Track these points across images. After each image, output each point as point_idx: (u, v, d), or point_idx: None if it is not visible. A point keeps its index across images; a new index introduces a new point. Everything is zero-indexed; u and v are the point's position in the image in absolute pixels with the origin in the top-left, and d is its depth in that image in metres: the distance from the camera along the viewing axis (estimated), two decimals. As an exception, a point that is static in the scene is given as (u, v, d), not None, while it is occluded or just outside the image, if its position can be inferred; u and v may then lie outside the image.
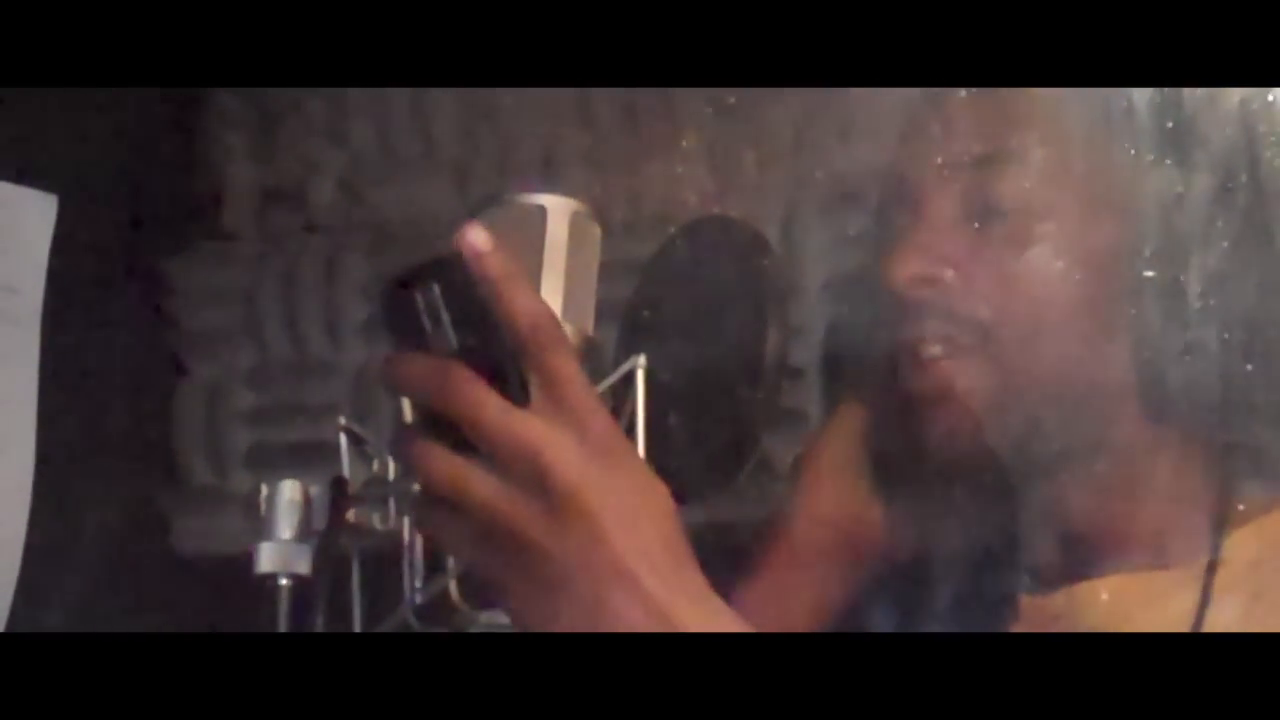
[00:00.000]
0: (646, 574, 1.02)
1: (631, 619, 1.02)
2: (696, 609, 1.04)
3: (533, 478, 1.02)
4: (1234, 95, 1.25)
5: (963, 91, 1.31)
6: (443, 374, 1.03)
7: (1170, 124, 1.27)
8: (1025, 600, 1.30)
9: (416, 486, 1.10)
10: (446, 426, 1.04)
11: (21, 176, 1.45)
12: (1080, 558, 1.28)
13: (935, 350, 1.30)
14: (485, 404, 1.03)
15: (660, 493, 1.06)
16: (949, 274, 1.30)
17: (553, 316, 1.06)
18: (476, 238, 1.05)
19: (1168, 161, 1.27)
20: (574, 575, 1.02)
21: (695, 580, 1.05)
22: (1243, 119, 1.26)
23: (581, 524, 1.02)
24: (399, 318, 1.05)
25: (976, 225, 1.30)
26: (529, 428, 1.03)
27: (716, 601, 1.06)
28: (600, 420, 1.04)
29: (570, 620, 1.02)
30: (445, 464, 1.04)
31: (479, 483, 1.03)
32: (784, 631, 1.34)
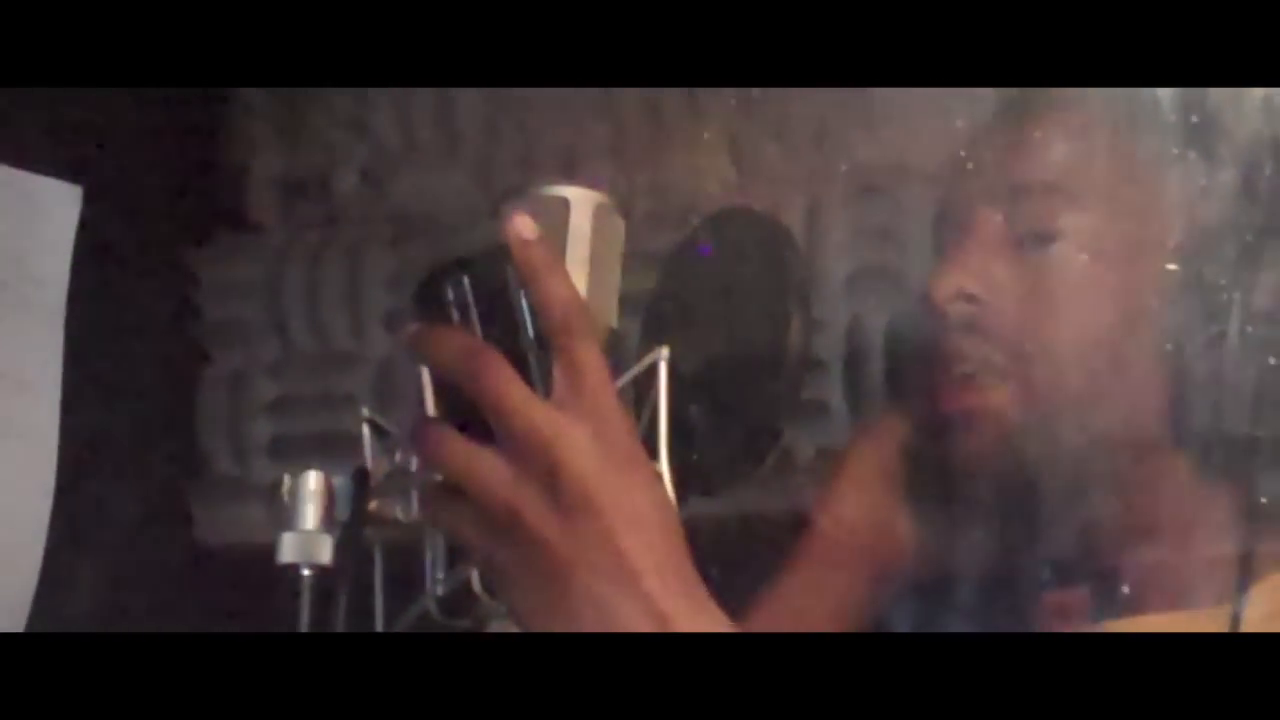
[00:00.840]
0: (648, 576, 1.03)
1: (630, 620, 1.02)
2: (696, 616, 1.04)
3: (545, 470, 1.02)
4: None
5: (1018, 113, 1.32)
6: (473, 351, 1.04)
7: (1219, 148, 1.27)
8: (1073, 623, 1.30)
9: (438, 477, 1.10)
10: (465, 411, 1.04)
11: (46, 168, 1.45)
12: (1103, 588, 1.28)
13: (968, 369, 1.31)
14: (509, 389, 1.03)
15: (666, 500, 1.07)
16: (989, 294, 1.31)
17: (586, 310, 1.06)
18: (523, 225, 1.06)
19: (1210, 188, 1.28)
20: (576, 571, 1.02)
21: (696, 588, 1.06)
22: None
23: (588, 521, 1.02)
24: (428, 310, 1.06)
25: (1021, 249, 1.30)
26: (548, 420, 1.03)
27: (715, 610, 1.06)
28: (618, 420, 1.05)
29: (567, 616, 1.02)
30: (458, 448, 1.04)
31: (490, 470, 1.03)
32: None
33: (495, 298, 1.05)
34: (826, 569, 1.39)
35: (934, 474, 1.34)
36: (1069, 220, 1.31)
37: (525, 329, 1.05)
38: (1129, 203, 1.32)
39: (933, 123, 1.47)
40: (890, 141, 1.76)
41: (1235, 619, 1.21)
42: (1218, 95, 1.22)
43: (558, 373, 1.04)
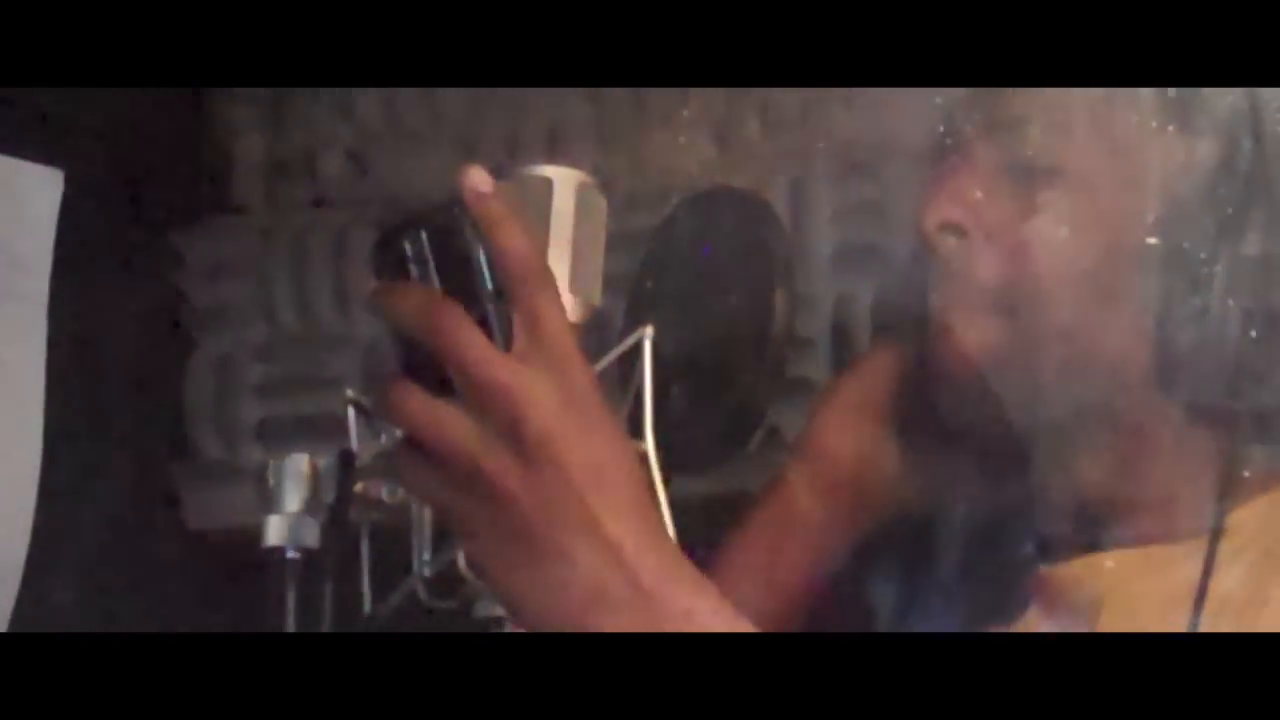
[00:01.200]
0: (611, 524, 1.02)
1: (594, 569, 1.02)
2: (661, 563, 1.04)
3: (507, 423, 1.02)
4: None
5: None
6: (432, 306, 1.03)
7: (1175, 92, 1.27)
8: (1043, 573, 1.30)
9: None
10: (428, 368, 1.04)
11: (27, 151, 1.45)
12: (1088, 525, 1.28)
13: (952, 306, 1.31)
14: (469, 342, 1.02)
15: (628, 447, 1.06)
16: (976, 228, 1.30)
17: (544, 261, 1.06)
18: (478, 178, 1.05)
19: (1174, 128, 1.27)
20: (539, 523, 1.02)
21: (659, 534, 1.05)
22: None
23: (551, 472, 1.02)
24: (387, 266, 1.05)
25: (1015, 182, 1.30)
26: (509, 371, 1.02)
27: (681, 557, 1.05)
28: (578, 369, 1.04)
29: (533, 568, 1.02)
30: (419, 403, 1.03)
31: (452, 424, 1.03)
32: (776, 570, 1.35)
33: (452, 252, 1.04)
34: (807, 497, 1.39)
35: (921, 410, 1.33)
36: (1048, 153, 1.30)
37: (484, 282, 1.04)
38: (1105, 138, 1.32)
39: (916, 99, 1.47)
40: (873, 118, 1.76)
41: (1215, 536, 1.21)
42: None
43: (517, 324, 1.03)
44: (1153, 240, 1.26)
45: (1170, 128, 1.28)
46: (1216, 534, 1.21)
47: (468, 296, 1.04)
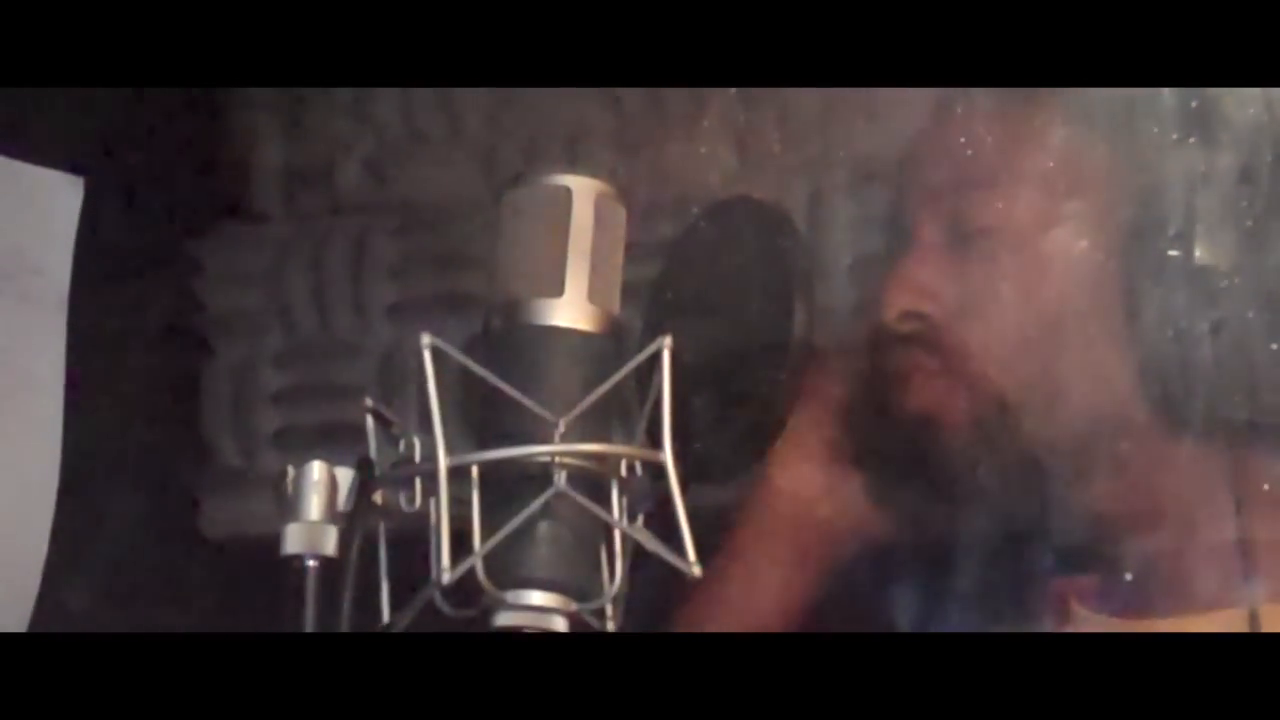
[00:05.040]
0: None
1: None
2: None
3: None
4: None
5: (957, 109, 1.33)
6: None
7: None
8: (1079, 611, 1.31)
9: (442, 467, 1.10)
10: None
11: (48, 159, 1.45)
12: (1106, 539, 1.28)
13: (923, 379, 1.34)
14: None
15: None
16: (936, 309, 1.35)
17: None
18: None
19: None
20: None
21: None
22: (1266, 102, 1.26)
23: None
24: None
25: (962, 249, 1.32)
26: None
27: None
28: None
29: None
30: None
31: None
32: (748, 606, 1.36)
33: None
34: (771, 544, 1.39)
35: (876, 439, 1.35)
36: (998, 211, 1.32)
37: None
38: (1059, 190, 1.32)
39: (935, 110, 1.47)
40: (893, 129, 1.76)
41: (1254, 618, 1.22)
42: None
43: None
44: (1174, 252, 1.27)
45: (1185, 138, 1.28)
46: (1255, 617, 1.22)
47: None
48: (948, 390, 1.33)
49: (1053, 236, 1.32)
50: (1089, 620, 1.31)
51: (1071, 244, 1.32)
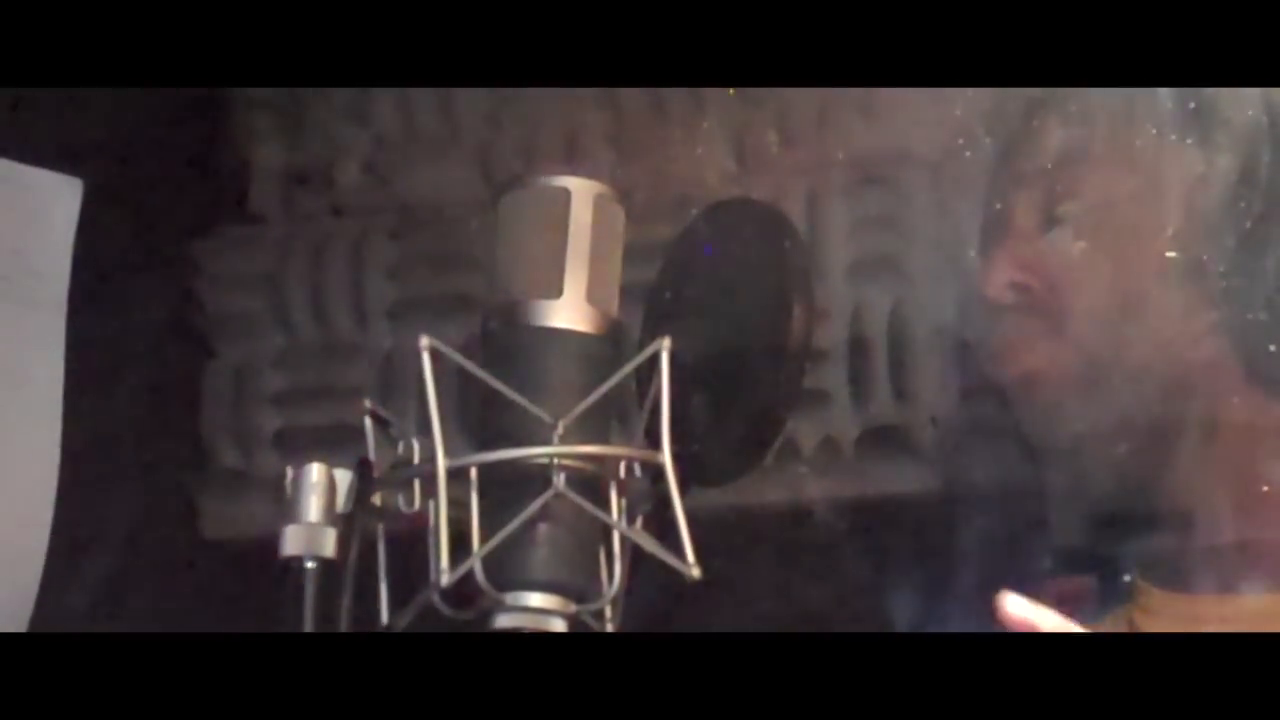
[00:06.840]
0: None
1: None
2: None
3: None
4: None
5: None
6: None
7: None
8: (1157, 595, 1.35)
9: (441, 469, 1.10)
10: None
11: (46, 161, 1.45)
12: (1194, 531, 1.31)
13: (1025, 344, 1.41)
14: None
15: None
16: (1036, 278, 1.40)
17: None
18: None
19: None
20: None
21: None
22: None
23: None
24: None
25: (1056, 228, 1.39)
26: None
27: None
28: None
29: None
30: None
31: None
32: None
33: None
34: None
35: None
36: (1090, 188, 1.39)
37: None
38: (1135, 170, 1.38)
39: (933, 110, 1.48)
40: (891, 129, 1.76)
41: None
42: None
43: None
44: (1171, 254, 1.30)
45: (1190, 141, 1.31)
46: None
47: None
48: (1051, 353, 1.39)
49: (1137, 214, 1.38)
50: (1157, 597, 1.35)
51: (1156, 223, 1.36)
